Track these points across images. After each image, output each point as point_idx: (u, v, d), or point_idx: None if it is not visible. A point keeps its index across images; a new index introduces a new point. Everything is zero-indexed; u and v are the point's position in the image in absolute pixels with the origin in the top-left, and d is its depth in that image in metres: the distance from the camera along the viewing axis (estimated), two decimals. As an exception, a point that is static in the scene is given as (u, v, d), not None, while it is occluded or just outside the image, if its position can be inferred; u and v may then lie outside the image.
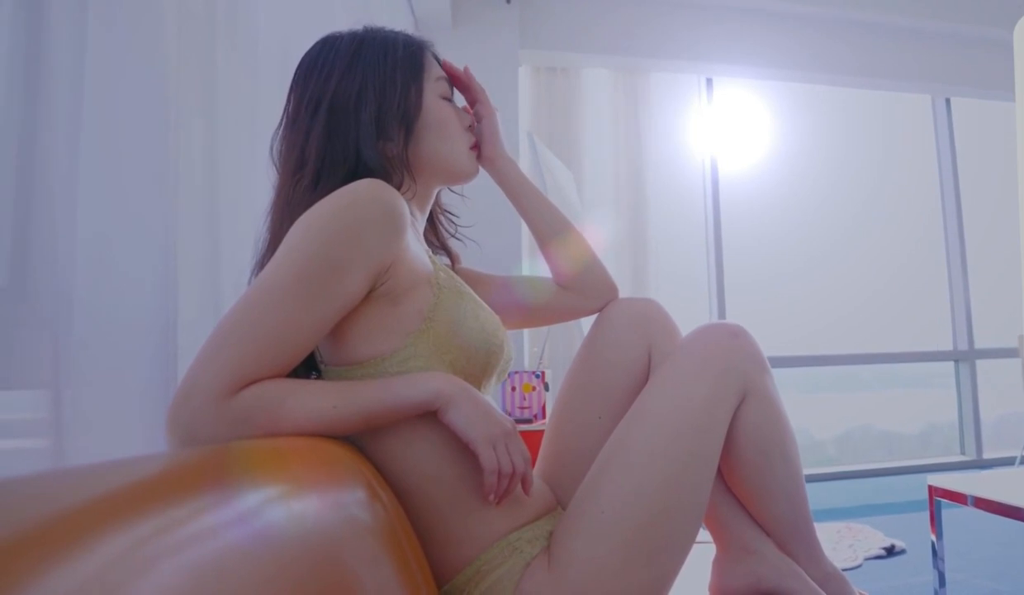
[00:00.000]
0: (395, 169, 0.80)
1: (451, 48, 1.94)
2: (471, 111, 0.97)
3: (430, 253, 0.85)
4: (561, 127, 3.37)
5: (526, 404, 2.33)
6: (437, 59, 0.90)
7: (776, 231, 3.99)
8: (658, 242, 3.41)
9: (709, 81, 3.73)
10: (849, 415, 4.10)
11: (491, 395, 0.83)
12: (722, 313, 3.60)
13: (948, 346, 3.99)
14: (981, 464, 3.81)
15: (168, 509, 0.35)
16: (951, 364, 3.99)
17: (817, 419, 3.98)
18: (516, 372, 2.36)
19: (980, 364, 3.93)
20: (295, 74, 0.84)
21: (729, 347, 0.85)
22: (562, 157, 3.18)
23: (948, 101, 4.06)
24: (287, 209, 0.76)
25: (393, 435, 0.73)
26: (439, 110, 0.86)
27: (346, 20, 1.55)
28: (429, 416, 0.71)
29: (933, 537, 1.79)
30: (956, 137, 4.06)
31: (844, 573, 0.90)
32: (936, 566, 1.78)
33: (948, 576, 1.87)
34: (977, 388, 3.90)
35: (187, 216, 0.82)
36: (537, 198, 0.99)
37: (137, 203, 0.72)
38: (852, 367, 3.88)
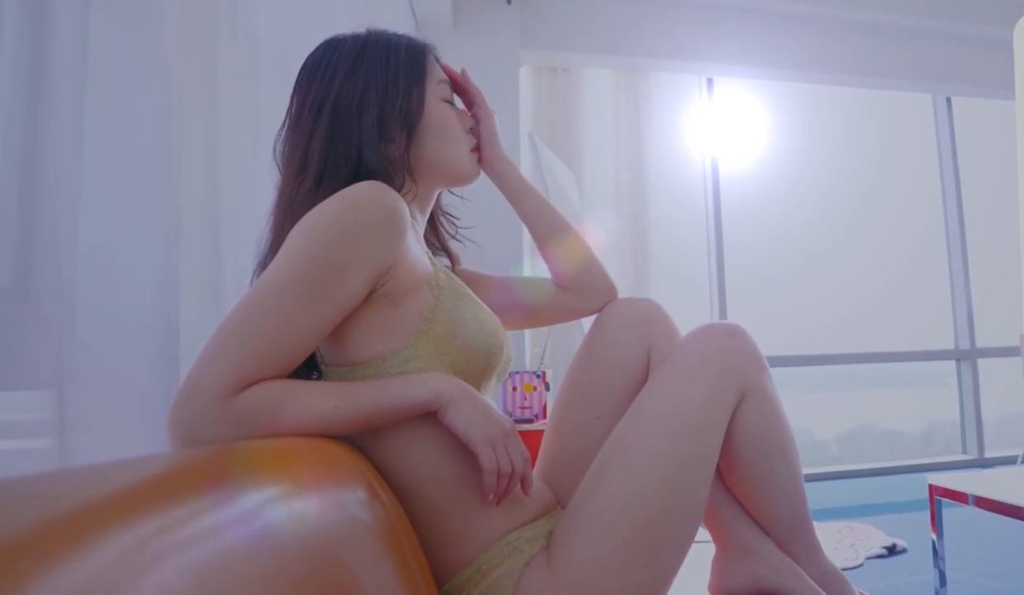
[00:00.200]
0: (396, 171, 0.81)
1: (452, 49, 1.95)
2: (469, 113, 0.97)
3: (430, 255, 0.85)
4: (562, 127, 3.37)
5: (527, 404, 2.33)
6: (439, 62, 0.91)
7: (777, 231, 3.99)
8: (659, 242, 3.41)
9: (710, 81, 3.73)
10: (851, 414, 4.10)
11: (491, 396, 0.84)
12: (723, 313, 3.60)
13: (950, 345, 3.99)
14: (983, 463, 3.80)
15: (169, 509, 0.35)
16: (953, 363, 3.99)
17: (819, 418, 3.98)
18: (517, 372, 2.36)
19: (982, 363, 3.92)
20: (298, 76, 0.84)
21: (728, 347, 0.85)
22: (563, 157, 3.18)
23: (949, 100, 4.06)
24: (289, 210, 0.77)
25: (393, 435, 0.73)
26: (440, 113, 0.87)
27: (346, 21, 1.56)
28: (429, 416, 0.71)
29: (933, 536, 1.79)
30: (957, 136, 4.06)
31: (844, 572, 0.90)
32: (936, 565, 1.78)
33: (949, 575, 1.87)
34: (979, 387, 3.89)
35: (189, 217, 0.83)
36: (536, 199, 1.00)
37: (139, 204, 0.72)
38: (854, 366, 3.88)
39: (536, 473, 0.94)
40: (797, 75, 3.76)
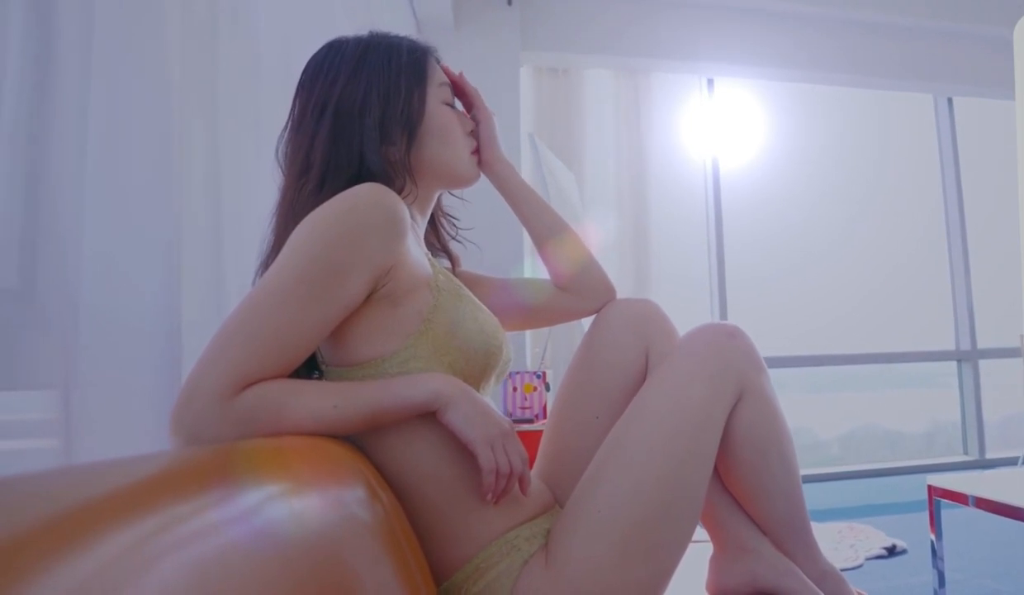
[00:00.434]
0: (397, 173, 0.81)
1: (452, 50, 1.95)
2: (469, 115, 0.98)
3: (430, 256, 0.86)
4: (562, 128, 3.37)
5: (527, 404, 2.33)
6: (440, 64, 0.91)
7: (778, 231, 3.99)
8: (659, 242, 3.41)
9: (710, 81, 3.73)
10: (853, 415, 4.09)
11: (490, 396, 0.84)
12: (724, 313, 3.60)
13: (951, 346, 3.98)
14: (984, 464, 3.80)
15: (170, 506, 0.36)
16: (954, 364, 3.99)
17: (821, 419, 3.98)
18: (517, 372, 2.36)
19: (983, 364, 3.92)
20: (301, 77, 0.85)
21: (726, 347, 0.86)
22: (563, 157, 3.18)
23: (950, 100, 4.05)
24: (291, 212, 0.77)
25: (393, 435, 0.73)
26: (441, 115, 0.87)
27: (347, 21, 1.56)
28: (428, 416, 0.72)
29: (932, 537, 1.79)
30: (958, 136, 4.05)
31: (842, 572, 0.90)
32: (935, 566, 1.78)
33: (949, 576, 1.87)
34: (980, 388, 3.89)
35: (191, 219, 0.83)
36: (534, 201, 1.00)
37: (142, 206, 0.73)
38: (856, 367, 3.88)
39: (535, 472, 0.95)
40: (797, 75, 3.76)
